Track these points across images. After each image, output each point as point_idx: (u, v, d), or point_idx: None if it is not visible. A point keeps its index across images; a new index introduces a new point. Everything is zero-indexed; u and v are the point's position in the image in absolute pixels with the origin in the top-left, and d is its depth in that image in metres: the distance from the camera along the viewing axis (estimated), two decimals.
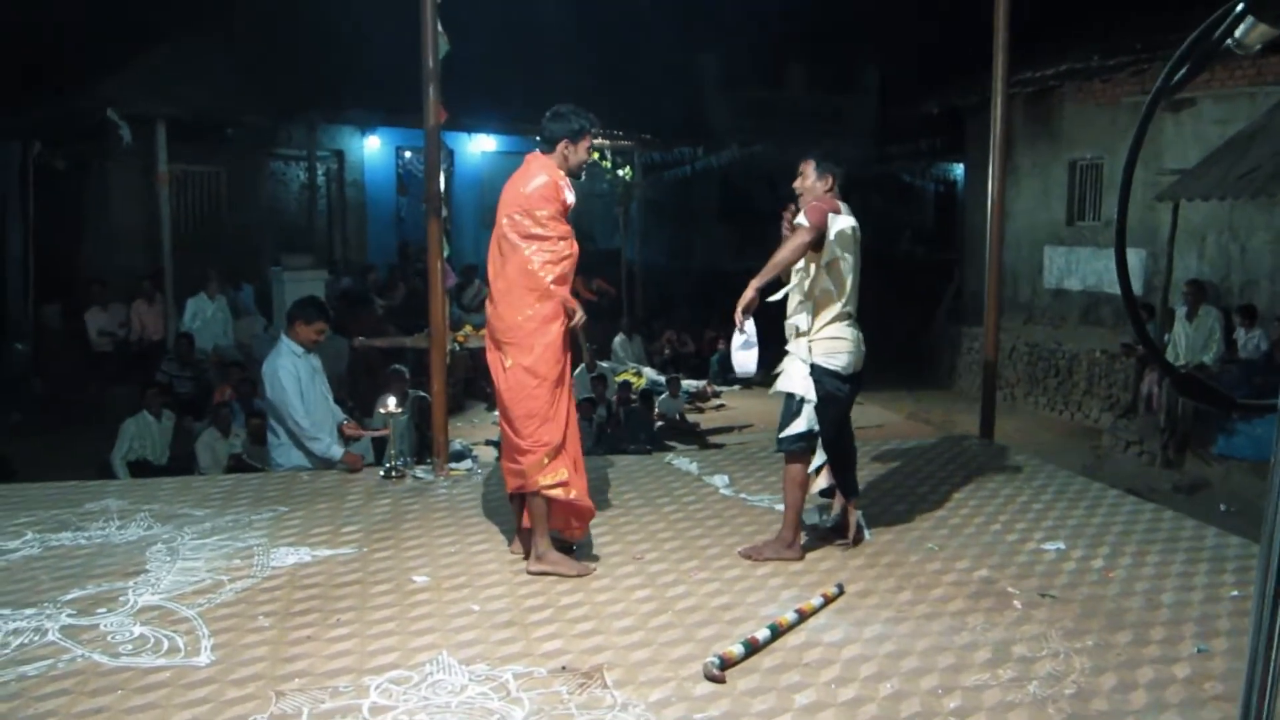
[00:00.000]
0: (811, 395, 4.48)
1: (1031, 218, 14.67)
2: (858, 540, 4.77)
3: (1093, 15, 15.07)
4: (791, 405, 4.54)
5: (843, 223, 4.46)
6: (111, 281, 13.24)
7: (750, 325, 4.48)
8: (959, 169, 21.06)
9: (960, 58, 12.79)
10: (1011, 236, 13.11)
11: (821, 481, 4.65)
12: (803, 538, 4.67)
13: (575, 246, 4.42)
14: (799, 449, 4.52)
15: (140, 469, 8.55)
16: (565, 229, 4.38)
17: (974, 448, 6.82)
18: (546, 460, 4.31)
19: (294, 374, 5.92)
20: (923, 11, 17.82)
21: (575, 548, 4.55)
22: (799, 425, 4.50)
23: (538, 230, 4.30)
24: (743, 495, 5.63)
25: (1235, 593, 4.25)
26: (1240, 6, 1.34)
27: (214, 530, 4.89)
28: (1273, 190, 10.06)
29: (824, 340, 4.50)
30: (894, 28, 19.01)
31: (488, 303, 4.49)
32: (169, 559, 4.47)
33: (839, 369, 4.50)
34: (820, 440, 4.53)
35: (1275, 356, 10.04)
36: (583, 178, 4.62)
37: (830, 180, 4.58)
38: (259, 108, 14.24)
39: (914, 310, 16.37)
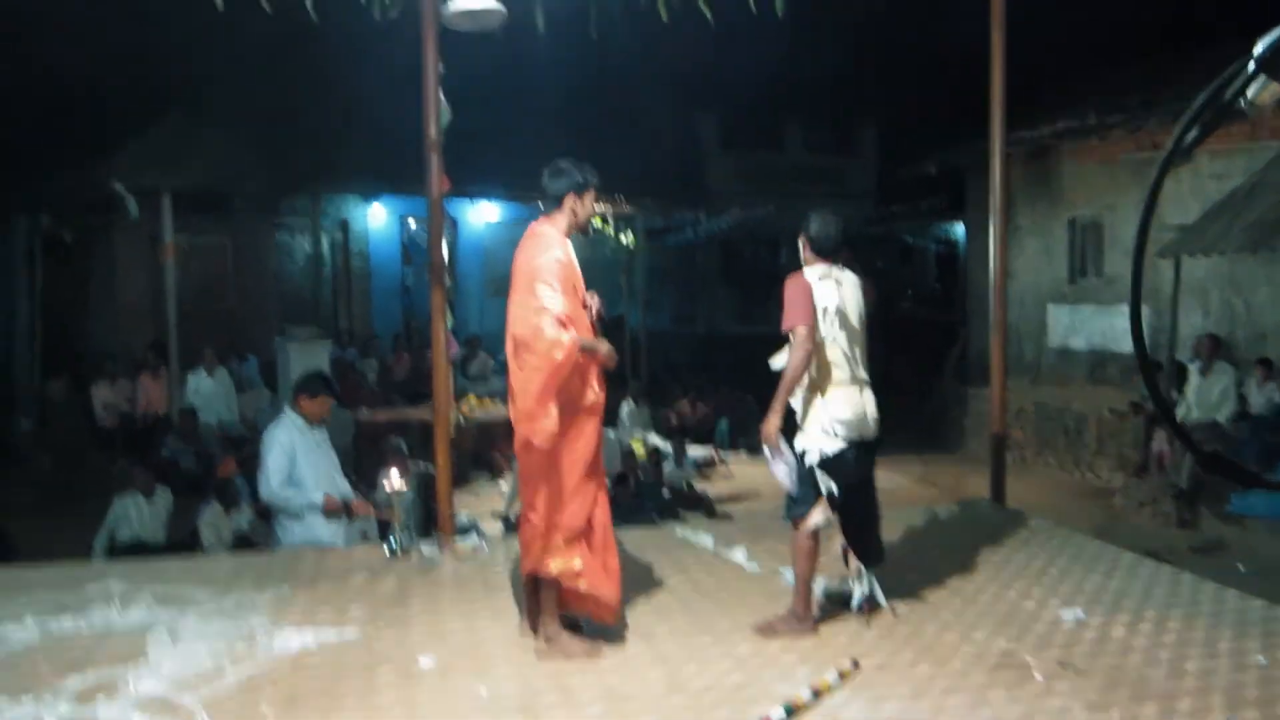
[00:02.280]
0: (813, 459, 4.41)
1: (1034, 276, 14.69)
2: (873, 609, 4.66)
3: (1090, 72, 15.24)
4: (800, 472, 4.47)
5: (824, 299, 4.41)
6: (118, 355, 13.28)
7: (784, 445, 4.44)
8: (960, 228, 21.18)
9: (958, 117, 12.90)
10: (1014, 295, 13.12)
11: (834, 544, 4.56)
12: (816, 610, 4.57)
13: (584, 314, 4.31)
14: (801, 515, 4.44)
15: (134, 551, 8.42)
16: (575, 302, 4.25)
17: (986, 512, 6.73)
18: (562, 546, 4.19)
19: (287, 446, 5.90)
20: (920, 73, 18.05)
21: (584, 625, 4.44)
22: (804, 491, 4.44)
23: (551, 301, 4.11)
24: (768, 570, 5.45)
25: (1262, 659, 4.15)
26: (1251, 66, 1.35)
27: (217, 612, 4.80)
28: (1274, 244, 10.06)
29: (824, 406, 4.44)
30: (891, 89, 19.26)
31: (510, 372, 4.28)
32: (170, 643, 4.38)
33: (841, 434, 4.43)
34: (826, 504, 4.44)
35: None
36: (590, 233, 4.55)
37: (805, 242, 4.56)
38: (263, 178, 14.40)
39: (919, 372, 16.32)
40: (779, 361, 4.50)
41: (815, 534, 4.46)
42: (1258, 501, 9.18)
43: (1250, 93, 1.37)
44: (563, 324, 4.06)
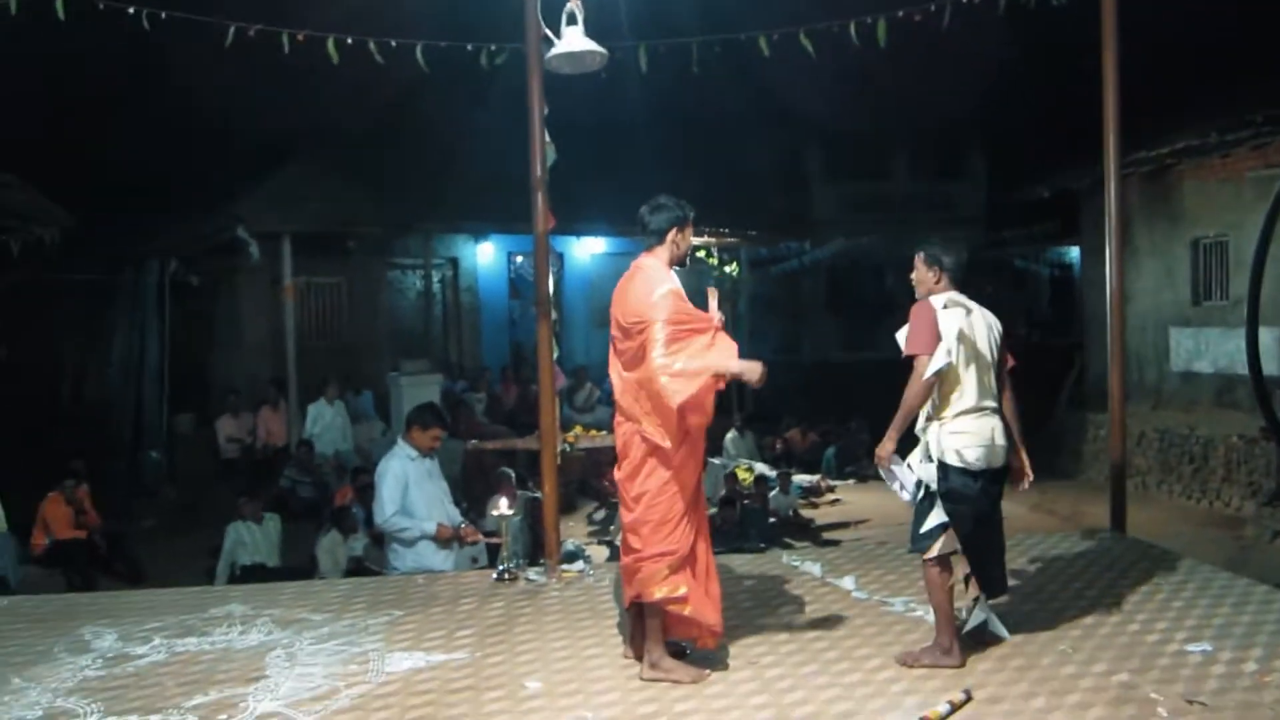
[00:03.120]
0: (938, 488, 4.33)
1: (1154, 299, 14.20)
2: (988, 640, 4.53)
3: (1209, 87, 14.72)
4: (923, 502, 4.39)
5: (954, 322, 4.33)
6: (241, 390, 13.82)
7: (896, 466, 4.44)
8: (1074, 252, 20.60)
9: (1071, 138, 12.58)
10: (1134, 319, 12.69)
11: (959, 571, 4.45)
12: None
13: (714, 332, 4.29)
14: (928, 546, 4.36)
15: (255, 572, 8.77)
16: (698, 323, 4.26)
17: (1106, 541, 6.49)
18: (667, 572, 4.20)
19: (400, 475, 6.05)
20: (1030, 93, 17.67)
21: (689, 650, 4.43)
22: (929, 521, 4.35)
23: (668, 333, 4.13)
24: (876, 598, 5.38)
25: None
26: None
27: (331, 635, 4.94)
28: None
29: (950, 435, 4.34)
30: (1000, 111, 18.87)
31: (617, 406, 4.36)
32: (288, 664, 4.53)
33: (967, 465, 4.32)
34: (954, 534, 4.34)
35: None
36: (687, 264, 4.59)
37: (938, 271, 4.48)
38: (376, 220, 14.88)
39: (1035, 398, 15.87)
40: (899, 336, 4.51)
41: (945, 564, 4.37)
42: None
43: None
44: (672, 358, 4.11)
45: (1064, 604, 5.18)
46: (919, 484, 4.41)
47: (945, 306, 4.39)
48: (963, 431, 4.34)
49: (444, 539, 6.16)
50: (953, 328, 4.33)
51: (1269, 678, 4.15)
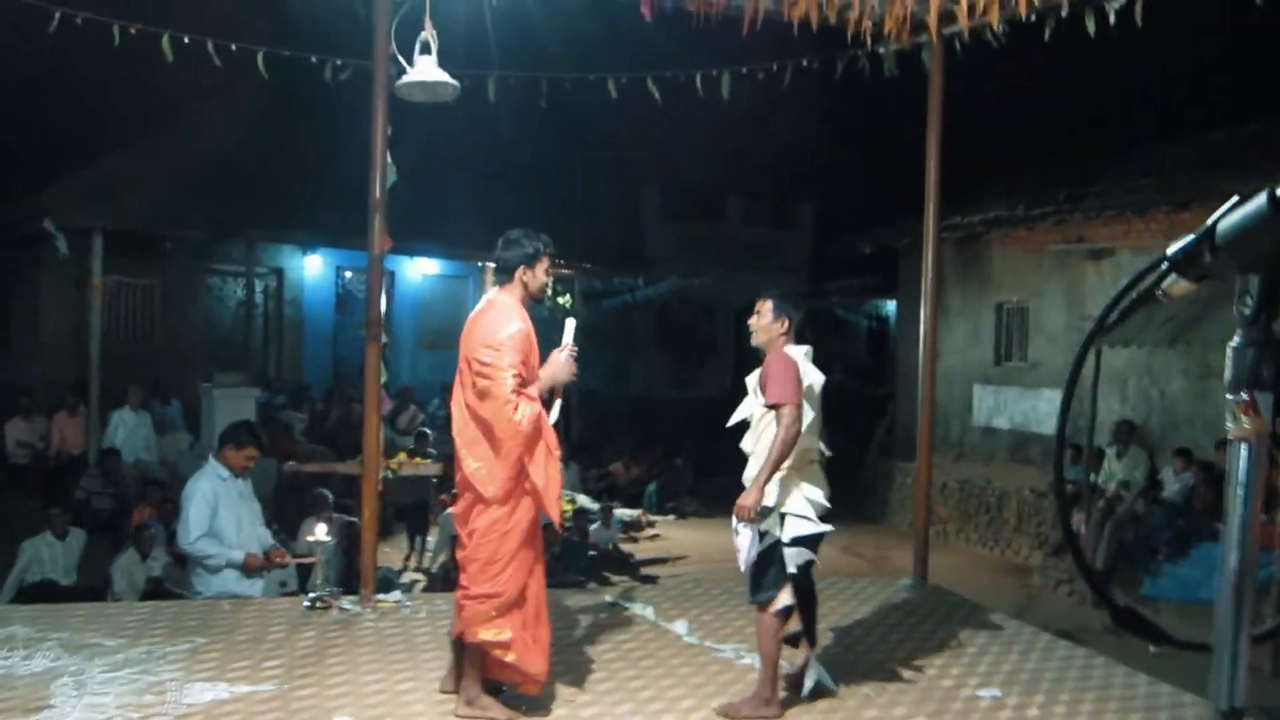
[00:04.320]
0: (788, 538, 4.32)
1: (962, 356, 15.04)
2: (820, 694, 4.59)
3: (1020, 166, 15.82)
4: (770, 552, 4.34)
5: (808, 377, 4.41)
6: (36, 392, 12.92)
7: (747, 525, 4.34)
8: (891, 305, 21.61)
9: (894, 198, 13.29)
10: (942, 374, 13.40)
11: (791, 627, 4.43)
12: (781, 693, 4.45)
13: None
14: (773, 598, 4.33)
15: (44, 590, 8.16)
16: (531, 374, 4.25)
17: (908, 589, 6.82)
18: (493, 614, 4.12)
19: (210, 497, 5.78)
20: (859, 154, 18.58)
21: (505, 688, 4.38)
22: (773, 572, 4.32)
23: (506, 374, 4.10)
24: (707, 643, 5.39)
25: None
26: (1165, 265, 1.69)
27: (126, 662, 4.66)
28: (1189, 338, 10.46)
29: (799, 485, 4.37)
30: (831, 168, 19.77)
31: (456, 441, 4.27)
32: (75, 693, 4.24)
33: (810, 514, 4.37)
34: (792, 586, 4.35)
35: (1194, 501, 10.27)
36: (545, 301, 4.55)
37: (786, 323, 4.51)
38: (199, 223, 14.23)
39: (847, 444, 16.52)
40: (749, 444, 4.48)
41: (784, 616, 4.37)
42: (1169, 585, 9.44)
43: (1164, 285, 1.71)
44: (519, 398, 4.09)
45: (868, 648, 5.41)
46: (768, 536, 4.35)
47: (802, 359, 4.45)
48: (809, 482, 4.42)
49: (252, 569, 5.90)
50: (809, 380, 4.41)
51: None
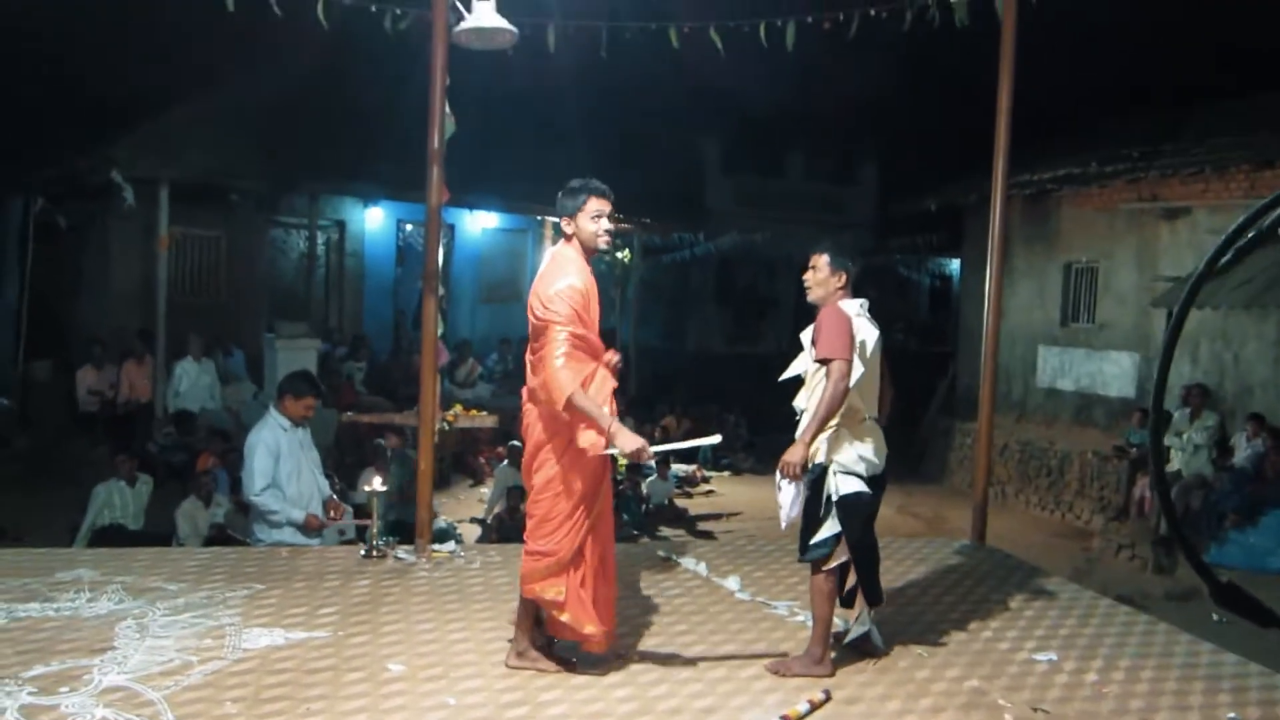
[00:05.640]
0: (838, 496, 4.26)
1: (1026, 316, 14.76)
2: (872, 653, 4.55)
3: (1093, 122, 15.34)
4: (817, 509, 4.31)
5: (861, 334, 4.30)
6: (105, 341, 13.21)
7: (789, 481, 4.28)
8: (954, 264, 21.24)
9: (961, 155, 12.96)
10: (1006, 335, 13.16)
11: (849, 583, 4.40)
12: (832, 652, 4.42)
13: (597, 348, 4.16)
14: (824, 556, 4.30)
15: (113, 533, 8.39)
16: (590, 346, 4.10)
17: (966, 550, 6.72)
18: (544, 573, 4.08)
19: (272, 447, 5.85)
20: (925, 108, 18.14)
21: (556, 642, 4.38)
22: (824, 530, 4.28)
23: (567, 346, 3.96)
24: (759, 599, 5.36)
25: (1232, 715, 4.13)
26: None
27: (186, 607, 4.76)
28: (1265, 301, 10.13)
29: (851, 443, 4.29)
30: (896, 122, 19.34)
31: (528, 383, 4.20)
32: (138, 636, 4.34)
33: (861, 471, 4.31)
34: (845, 543, 4.30)
35: (1265, 468, 10.00)
36: (604, 246, 4.26)
37: (844, 277, 4.40)
38: (264, 175, 14.36)
39: (907, 402, 16.35)
40: (802, 401, 4.41)
41: (835, 575, 4.33)
42: (1235, 551, 9.22)
43: None
44: (567, 360, 3.96)
45: (923, 609, 5.34)
46: (824, 494, 4.30)
47: (857, 314, 4.35)
48: (862, 439, 4.33)
49: (312, 529, 5.97)
50: (863, 336, 4.32)
51: (1107, 688, 4.36)
